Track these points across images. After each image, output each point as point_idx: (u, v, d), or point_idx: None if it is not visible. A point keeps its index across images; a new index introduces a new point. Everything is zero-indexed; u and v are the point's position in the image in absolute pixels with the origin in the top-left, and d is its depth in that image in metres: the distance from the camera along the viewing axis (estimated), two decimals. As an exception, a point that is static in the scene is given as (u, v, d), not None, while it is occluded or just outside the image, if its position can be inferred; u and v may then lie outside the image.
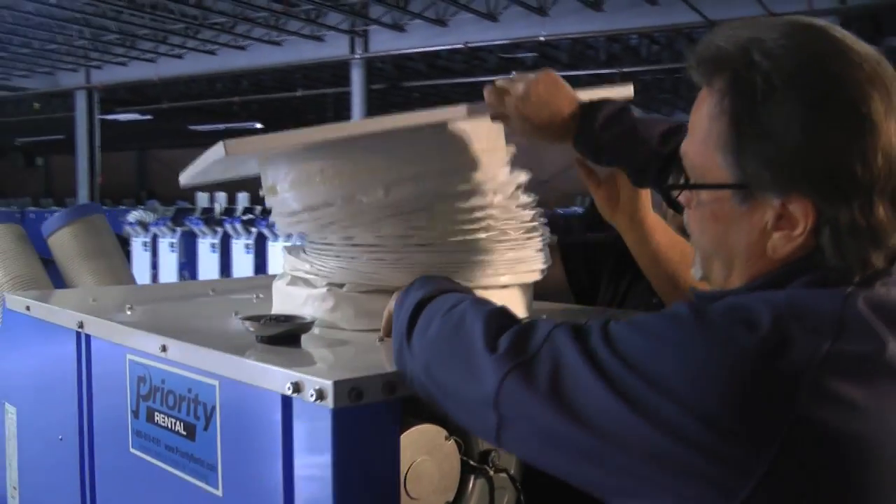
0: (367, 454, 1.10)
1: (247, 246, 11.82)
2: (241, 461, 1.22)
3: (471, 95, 1.54)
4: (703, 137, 1.00)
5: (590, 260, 1.89)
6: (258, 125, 19.05)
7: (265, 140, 1.46)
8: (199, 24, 11.84)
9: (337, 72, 13.82)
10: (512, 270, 1.50)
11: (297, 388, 1.09)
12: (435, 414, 1.16)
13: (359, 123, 1.54)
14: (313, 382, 1.07)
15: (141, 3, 10.89)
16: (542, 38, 10.93)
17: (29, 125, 19.28)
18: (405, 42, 11.96)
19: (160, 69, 13.90)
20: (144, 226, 13.06)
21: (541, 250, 1.58)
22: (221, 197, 16.54)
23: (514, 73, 1.52)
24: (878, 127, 0.91)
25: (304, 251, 1.55)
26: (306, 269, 1.50)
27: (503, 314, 1.07)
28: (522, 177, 1.55)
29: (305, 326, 1.33)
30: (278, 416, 1.13)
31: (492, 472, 1.33)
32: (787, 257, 0.97)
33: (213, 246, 12.19)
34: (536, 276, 1.57)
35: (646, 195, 1.60)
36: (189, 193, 19.23)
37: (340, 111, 15.96)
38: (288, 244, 1.59)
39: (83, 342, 1.62)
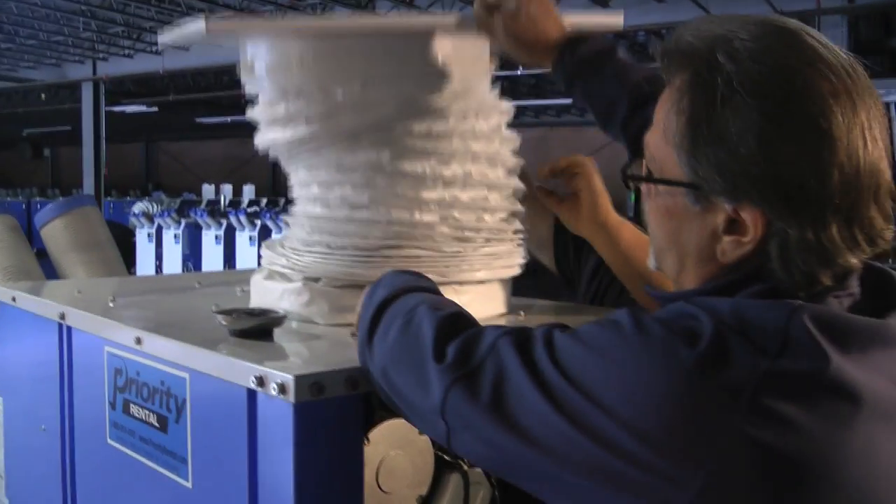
0: (329, 448, 1.10)
1: (251, 238, 11.84)
2: (209, 454, 1.23)
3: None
4: (662, 132, 0.99)
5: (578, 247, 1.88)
6: (265, 118, 19.06)
7: (247, 25, 1.47)
8: (206, 16, 11.85)
9: (343, 66, 13.79)
10: (488, 266, 1.51)
11: (260, 381, 1.10)
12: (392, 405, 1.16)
13: (346, 21, 1.54)
14: (275, 376, 1.08)
15: (147, -5, 10.91)
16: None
17: (36, 116, 19.31)
18: (411, 37, 11.92)
19: (167, 61, 13.90)
20: (149, 217, 13.10)
21: (520, 245, 1.58)
22: (227, 189, 16.59)
23: None
24: (837, 143, 0.89)
25: (282, 245, 1.55)
26: (283, 263, 1.51)
27: (455, 320, 1.06)
28: (504, 105, 1.55)
29: (277, 321, 1.34)
30: (244, 410, 1.14)
31: (466, 468, 1.33)
32: (737, 263, 0.96)
33: (217, 238, 12.22)
34: (514, 272, 1.58)
35: (605, 199, 1.61)
36: (196, 186, 19.29)
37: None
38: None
39: (65, 333, 1.64)
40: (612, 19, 1.65)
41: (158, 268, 12.66)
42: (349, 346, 1.31)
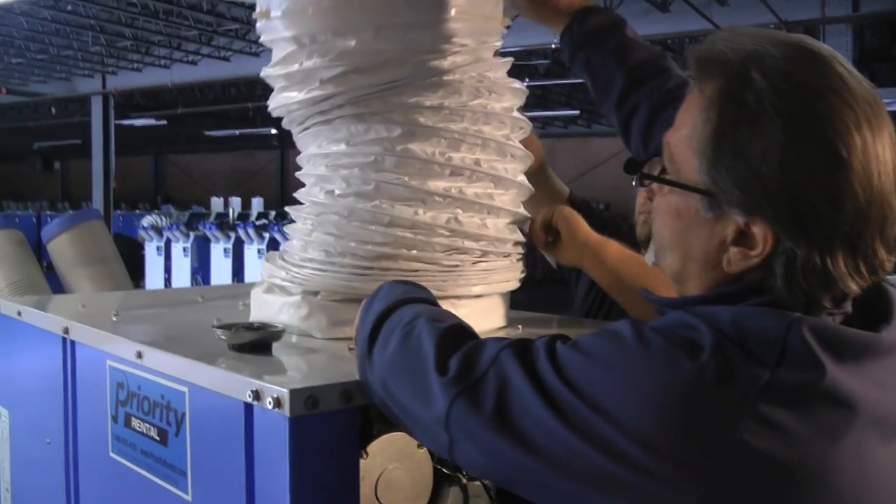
0: (325, 461, 1.12)
1: (259, 251, 11.86)
2: (208, 467, 1.25)
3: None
4: (685, 136, 1.01)
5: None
6: (273, 130, 19.15)
7: None
8: (213, 30, 11.91)
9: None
10: (485, 281, 1.52)
11: (256, 395, 1.11)
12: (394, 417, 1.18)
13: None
14: (271, 390, 1.09)
15: (155, 9, 10.97)
16: (554, 45, 10.92)
17: (46, 130, 19.41)
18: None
19: (174, 75, 13.97)
20: (158, 230, 13.15)
21: (518, 259, 1.59)
22: (236, 202, 16.62)
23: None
24: (853, 173, 0.90)
25: (282, 258, 1.57)
26: (282, 276, 1.52)
27: (455, 333, 1.08)
28: (516, 85, 1.57)
29: (275, 335, 1.36)
30: (241, 424, 1.15)
31: (465, 481, 1.33)
32: (741, 274, 0.98)
33: (225, 251, 12.25)
34: (511, 286, 1.59)
35: (580, 221, 1.63)
36: (205, 198, 19.34)
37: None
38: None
39: (68, 348, 1.66)
40: None
41: (167, 281, 12.69)
42: (346, 360, 1.33)
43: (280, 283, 1.53)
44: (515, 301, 1.66)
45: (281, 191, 22.54)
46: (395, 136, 1.46)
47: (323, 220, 1.51)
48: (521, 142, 1.62)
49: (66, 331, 1.64)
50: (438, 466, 1.29)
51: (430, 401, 1.01)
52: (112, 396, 1.49)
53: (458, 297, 1.48)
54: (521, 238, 1.60)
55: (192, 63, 13.58)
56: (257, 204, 16.58)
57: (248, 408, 1.14)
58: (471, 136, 1.49)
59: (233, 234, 12.35)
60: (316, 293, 1.48)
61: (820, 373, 0.88)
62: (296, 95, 1.51)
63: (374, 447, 1.19)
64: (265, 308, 1.55)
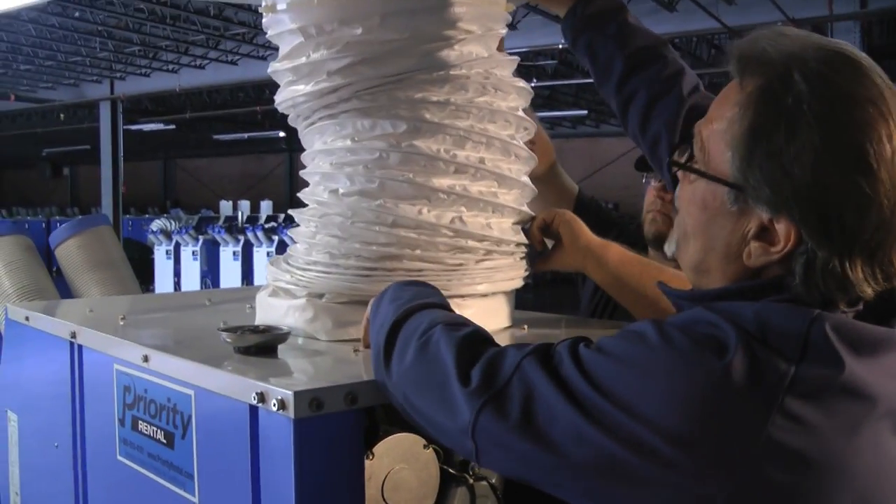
0: (330, 462, 1.12)
1: (268, 254, 11.90)
2: (215, 470, 1.25)
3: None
4: (720, 129, 1.02)
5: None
6: (281, 134, 19.19)
7: None
8: (221, 35, 11.95)
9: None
10: (490, 279, 1.52)
11: (261, 398, 1.12)
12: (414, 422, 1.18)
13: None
14: (276, 392, 1.10)
15: (163, 15, 11.01)
16: (561, 46, 10.92)
17: (55, 136, 19.52)
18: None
19: (182, 80, 14.03)
20: (167, 234, 13.19)
21: (522, 258, 1.60)
22: (245, 205, 16.68)
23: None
24: (882, 184, 0.92)
25: (287, 261, 1.57)
26: (287, 279, 1.53)
27: (474, 340, 1.09)
28: (522, 84, 1.58)
29: (281, 338, 1.36)
30: (246, 426, 1.15)
31: (472, 481, 1.33)
32: (760, 270, 1.00)
33: (234, 254, 12.29)
34: (516, 285, 1.59)
35: (582, 226, 1.63)
36: (213, 202, 19.39)
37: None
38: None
39: (76, 352, 1.66)
40: None
41: (177, 285, 12.73)
42: (351, 362, 1.34)
43: (285, 286, 1.53)
44: (524, 301, 1.66)
45: (290, 194, 22.58)
46: (400, 132, 1.46)
47: (326, 221, 1.51)
48: (531, 140, 1.63)
49: (74, 335, 1.65)
50: (445, 467, 1.29)
51: (454, 411, 1.02)
52: (119, 400, 1.49)
53: (462, 297, 1.48)
54: (524, 238, 1.60)
55: (199, 67, 13.63)
56: (266, 207, 16.63)
57: (254, 410, 1.15)
58: (476, 133, 1.49)
59: (242, 238, 12.39)
60: (321, 296, 1.49)
61: (839, 367, 0.90)
62: (302, 88, 1.52)
63: (381, 448, 1.20)
64: (271, 311, 1.55)
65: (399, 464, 1.22)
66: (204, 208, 19.36)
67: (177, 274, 12.83)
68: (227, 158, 25.41)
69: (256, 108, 15.79)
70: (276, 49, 1.60)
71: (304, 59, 1.50)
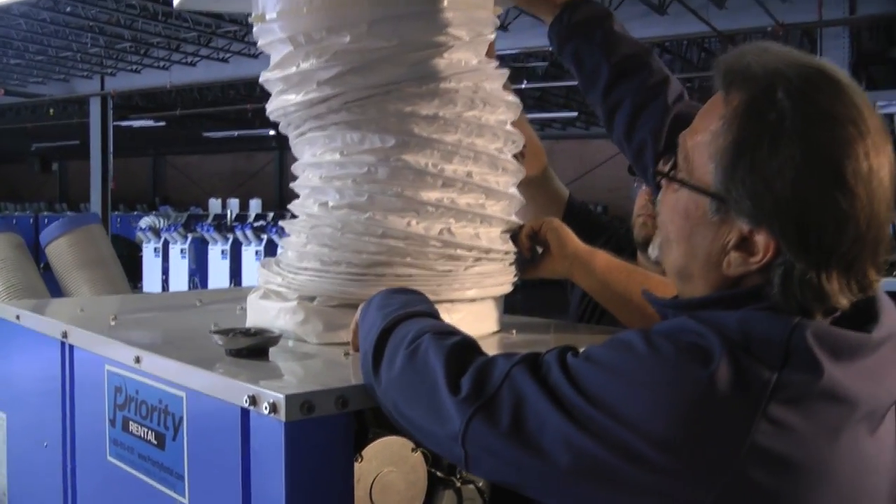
0: (320, 465, 1.13)
1: (257, 253, 11.88)
2: (205, 471, 1.26)
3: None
4: (704, 141, 1.04)
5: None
6: (272, 132, 19.16)
7: None
8: (212, 32, 11.93)
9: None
10: (479, 285, 1.53)
11: (253, 401, 1.13)
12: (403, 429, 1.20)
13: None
14: (267, 396, 1.11)
15: (154, 11, 10.98)
16: (551, 48, 10.95)
17: (45, 131, 19.43)
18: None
19: (173, 76, 13.99)
20: (156, 232, 13.16)
21: (511, 263, 1.61)
22: (234, 203, 16.65)
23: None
24: (859, 200, 0.95)
25: (278, 264, 1.58)
26: (278, 281, 1.54)
27: (463, 349, 1.10)
28: (511, 99, 1.59)
29: (272, 340, 1.37)
30: (237, 428, 1.17)
31: (459, 484, 1.35)
32: (740, 278, 1.02)
33: (223, 252, 12.27)
34: (505, 290, 1.61)
35: (569, 233, 1.65)
36: (203, 199, 19.35)
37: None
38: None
39: (67, 352, 1.67)
40: None
41: (165, 283, 12.70)
42: (342, 365, 1.35)
43: (276, 288, 1.54)
44: (513, 303, 1.67)
45: (279, 192, 22.55)
46: (389, 146, 1.47)
47: (317, 232, 1.53)
48: (524, 146, 1.64)
49: (65, 335, 1.65)
50: (433, 470, 1.30)
51: (444, 419, 1.04)
52: (110, 400, 1.50)
53: (452, 302, 1.50)
54: (513, 246, 1.61)
55: (190, 65, 13.59)
56: (255, 205, 16.62)
57: (245, 413, 1.16)
58: (464, 148, 1.50)
59: (231, 236, 12.38)
60: (312, 298, 1.50)
61: (819, 373, 0.93)
62: (293, 98, 1.53)
63: (369, 451, 1.21)
64: (262, 313, 1.56)
65: (387, 467, 1.24)
66: (193, 206, 19.32)
67: (165, 272, 12.80)
68: (217, 156, 25.35)
69: (247, 106, 15.75)
70: (267, 52, 1.61)
71: (294, 69, 1.51)
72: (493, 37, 1.61)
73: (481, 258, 1.53)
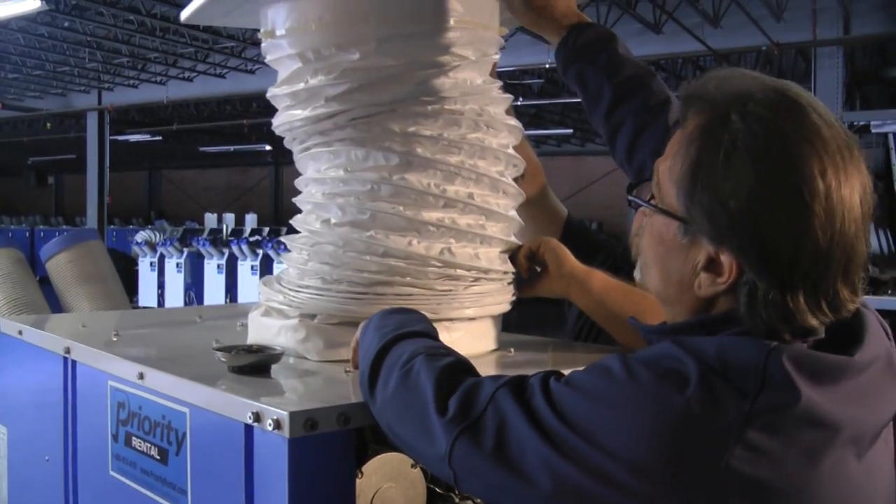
0: (322, 481, 1.15)
1: (252, 267, 11.88)
2: (208, 486, 1.28)
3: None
4: (668, 166, 1.07)
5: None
6: (267, 147, 19.19)
7: None
8: (209, 48, 11.98)
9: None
10: (478, 304, 1.56)
11: (257, 417, 1.15)
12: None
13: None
14: (271, 412, 1.13)
15: (152, 26, 11.03)
16: (548, 65, 11.00)
17: (41, 145, 19.46)
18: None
19: (170, 91, 14.04)
20: (152, 246, 13.15)
21: (509, 283, 1.63)
22: (229, 218, 16.64)
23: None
24: (815, 218, 0.96)
25: (279, 282, 1.60)
26: (280, 299, 1.56)
27: (454, 370, 1.12)
28: (513, 123, 1.62)
29: (274, 358, 1.39)
30: (241, 444, 1.19)
31: (458, 500, 1.37)
32: (713, 299, 1.04)
33: (219, 267, 12.26)
34: (503, 309, 1.63)
35: (566, 253, 1.67)
36: (198, 214, 19.34)
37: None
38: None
39: (69, 367, 1.69)
40: None
41: (161, 297, 12.68)
42: (343, 382, 1.37)
43: (277, 306, 1.57)
44: (507, 320, 1.70)
45: (275, 207, 22.56)
46: (392, 165, 1.50)
47: (318, 250, 1.55)
48: (524, 161, 1.67)
49: (68, 351, 1.67)
50: (431, 486, 1.32)
51: (432, 440, 1.06)
52: (113, 416, 1.52)
53: (451, 320, 1.52)
54: (511, 266, 1.64)
55: (187, 80, 13.65)
56: (251, 220, 16.60)
57: (249, 429, 1.18)
58: (466, 169, 1.53)
59: (226, 251, 12.36)
60: (313, 316, 1.52)
61: (795, 397, 0.93)
62: (300, 113, 1.55)
63: (369, 467, 1.23)
64: (263, 330, 1.58)
65: (387, 482, 1.25)
66: (189, 220, 19.31)
67: (161, 286, 12.77)
68: (213, 171, 25.37)
69: (243, 122, 15.80)
70: (265, 63, 1.63)
71: (302, 85, 1.54)
72: (497, 57, 1.64)
73: (480, 278, 1.55)
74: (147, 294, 12.83)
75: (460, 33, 1.52)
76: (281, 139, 1.66)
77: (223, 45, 11.92)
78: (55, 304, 2.73)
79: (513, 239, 1.65)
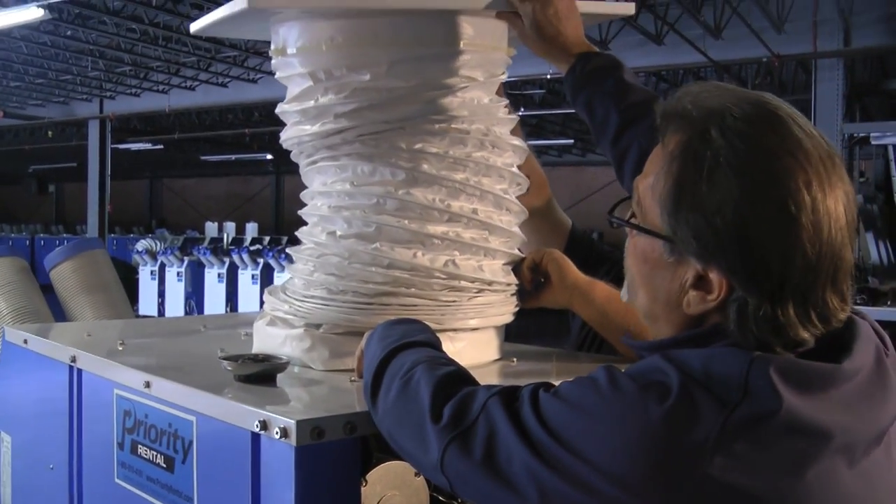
0: (328, 489, 1.16)
1: (253, 276, 11.89)
2: (215, 494, 1.29)
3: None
4: (650, 185, 1.07)
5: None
6: (269, 156, 19.24)
7: None
8: (212, 57, 12.03)
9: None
10: (482, 314, 1.57)
11: (264, 426, 1.16)
12: (400, 455, 1.23)
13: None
14: (278, 421, 1.14)
15: (155, 35, 11.07)
16: (549, 76, 11.04)
17: (43, 153, 19.51)
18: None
19: (172, 100, 14.08)
20: (152, 254, 13.16)
21: (512, 294, 1.65)
22: (230, 227, 16.67)
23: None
24: (802, 230, 0.96)
25: (284, 292, 1.62)
26: (285, 309, 1.57)
27: (452, 380, 1.14)
28: (517, 143, 1.63)
29: (280, 367, 1.41)
30: (248, 452, 1.20)
31: (461, 508, 1.38)
32: (702, 316, 1.04)
33: (219, 276, 12.27)
34: (506, 320, 1.65)
35: (570, 264, 1.69)
36: (199, 222, 19.37)
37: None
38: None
39: (75, 376, 1.70)
40: (624, 7, 1.75)
41: (161, 305, 12.69)
42: (348, 391, 1.38)
43: (283, 315, 1.58)
44: (508, 329, 1.71)
45: (276, 216, 22.60)
46: (398, 180, 1.52)
47: (324, 261, 1.56)
48: (528, 180, 1.68)
49: (74, 359, 1.68)
50: (435, 494, 1.33)
51: (427, 447, 1.08)
52: (119, 424, 1.53)
53: (455, 331, 1.53)
54: (515, 278, 1.65)
55: (190, 89, 13.69)
56: (252, 229, 16.64)
57: (256, 437, 1.19)
58: (471, 186, 1.55)
59: (227, 260, 12.38)
60: (318, 326, 1.53)
61: (777, 406, 0.93)
62: (309, 129, 1.57)
63: (374, 475, 1.24)
64: (268, 340, 1.59)
65: (391, 490, 1.27)
66: (189, 229, 19.35)
67: (161, 294, 12.78)
68: (214, 179, 25.42)
69: (245, 131, 15.85)
70: (267, 73, 1.65)
71: (312, 103, 1.55)
72: (504, 77, 1.66)
73: (484, 289, 1.57)
74: (147, 303, 12.84)
75: (470, 56, 1.54)
76: (282, 148, 1.67)
77: (226, 55, 11.96)
78: (58, 313, 2.74)
79: (516, 252, 1.66)
